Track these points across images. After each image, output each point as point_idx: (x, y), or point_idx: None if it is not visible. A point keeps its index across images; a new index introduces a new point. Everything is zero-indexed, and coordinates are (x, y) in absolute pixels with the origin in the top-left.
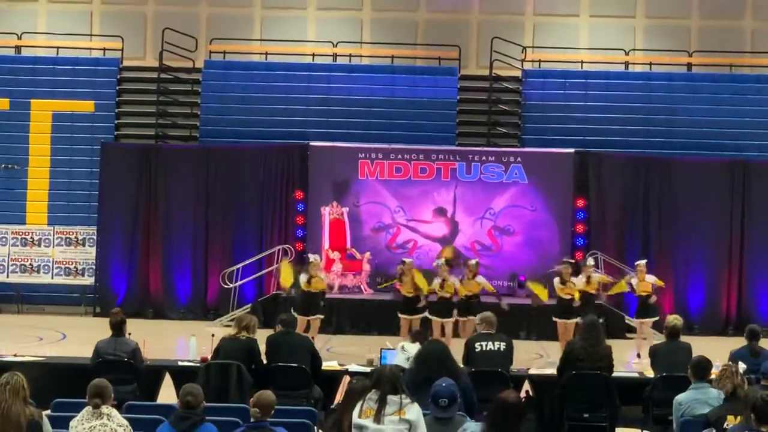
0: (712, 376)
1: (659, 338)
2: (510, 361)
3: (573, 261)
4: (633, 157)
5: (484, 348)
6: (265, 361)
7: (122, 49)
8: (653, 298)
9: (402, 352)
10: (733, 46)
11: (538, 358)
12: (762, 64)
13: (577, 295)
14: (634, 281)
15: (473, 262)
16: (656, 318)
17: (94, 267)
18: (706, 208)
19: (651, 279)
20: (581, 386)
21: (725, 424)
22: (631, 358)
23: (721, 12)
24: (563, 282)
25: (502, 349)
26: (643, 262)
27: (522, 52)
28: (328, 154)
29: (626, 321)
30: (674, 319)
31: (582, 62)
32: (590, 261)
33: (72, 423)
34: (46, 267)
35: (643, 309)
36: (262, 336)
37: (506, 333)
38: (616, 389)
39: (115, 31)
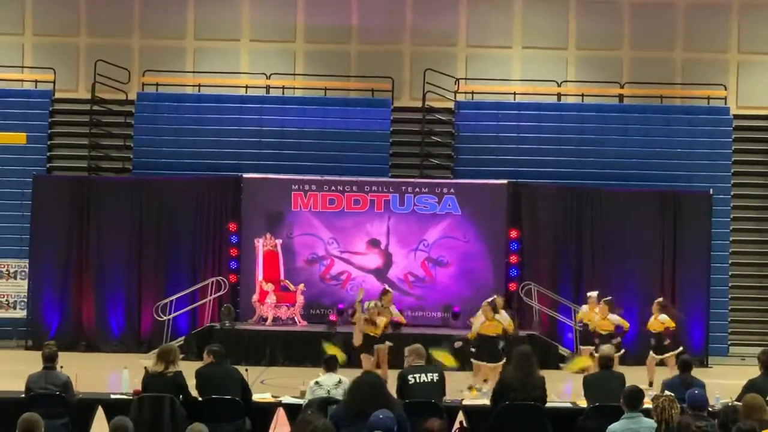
0: (645, 405)
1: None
2: (443, 392)
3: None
4: (565, 188)
5: (417, 380)
6: (197, 394)
7: (54, 81)
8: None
9: (318, 387)
10: (663, 78)
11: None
12: (692, 95)
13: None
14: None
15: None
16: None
17: (26, 300)
18: (638, 238)
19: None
20: (515, 417)
21: None
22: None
23: (651, 44)
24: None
25: (435, 380)
26: (594, 294)
27: (455, 83)
28: (261, 185)
29: (560, 351)
30: (607, 349)
31: (515, 94)
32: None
33: None
34: None
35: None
36: (189, 369)
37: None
38: (550, 419)
39: (47, 63)
